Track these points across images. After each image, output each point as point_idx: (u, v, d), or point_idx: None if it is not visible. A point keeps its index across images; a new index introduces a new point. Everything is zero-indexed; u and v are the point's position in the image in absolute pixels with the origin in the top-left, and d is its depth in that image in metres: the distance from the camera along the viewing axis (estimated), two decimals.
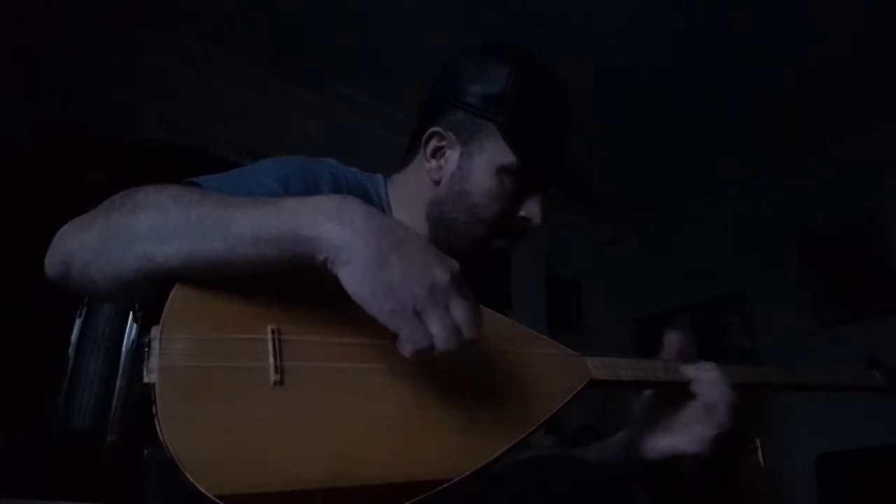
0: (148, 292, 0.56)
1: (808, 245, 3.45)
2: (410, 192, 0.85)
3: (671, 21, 2.56)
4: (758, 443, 3.11)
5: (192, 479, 0.46)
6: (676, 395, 0.77)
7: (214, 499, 0.46)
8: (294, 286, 0.58)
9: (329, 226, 0.54)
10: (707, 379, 0.75)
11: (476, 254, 0.81)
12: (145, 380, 0.49)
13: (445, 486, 0.55)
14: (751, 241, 3.65)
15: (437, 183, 0.82)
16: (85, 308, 1.70)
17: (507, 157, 0.78)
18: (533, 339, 0.71)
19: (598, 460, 0.84)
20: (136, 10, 2.45)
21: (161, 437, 0.47)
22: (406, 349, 0.53)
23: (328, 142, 2.86)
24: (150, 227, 0.55)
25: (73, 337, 1.68)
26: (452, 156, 0.81)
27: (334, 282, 0.54)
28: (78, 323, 1.69)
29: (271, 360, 0.54)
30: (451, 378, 0.61)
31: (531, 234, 0.84)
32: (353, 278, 0.53)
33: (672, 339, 0.80)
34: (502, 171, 0.79)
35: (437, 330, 0.53)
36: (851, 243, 3.30)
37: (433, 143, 0.83)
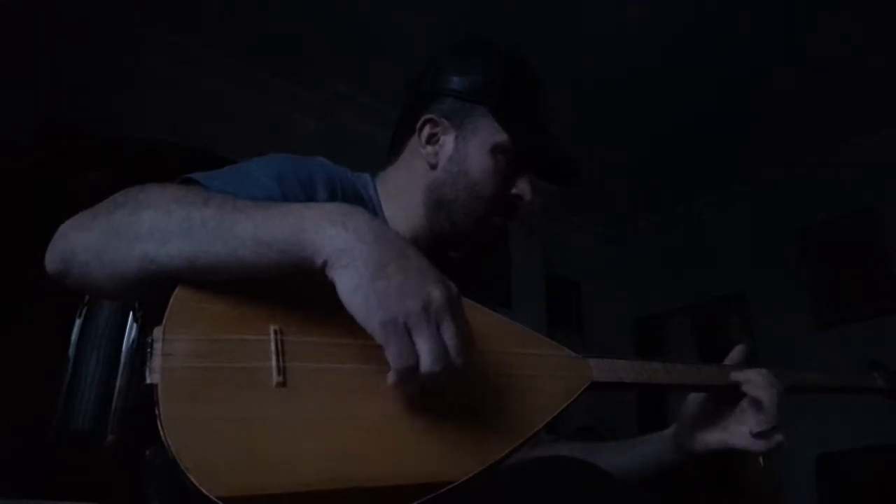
0: (149, 292, 0.55)
1: (808, 245, 3.45)
2: (402, 184, 0.87)
3: (671, 22, 2.56)
4: None
5: (193, 481, 0.46)
6: (723, 395, 0.84)
7: (216, 500, 0.46)
8: (297, 287, 0.57)
9: (333, 230, 0.53)
10: (756, 381, 0.82)
11: (476, 231, 0.85)
12: (148, 380, 0.49)
13: (448, 488, 0.55)
14: (751, 241, 3.65)
15: (434, 167, 0.85)
16: (85, 308, 1.70)
17: (501, 136, 0.83)
18: (535, 340, 0.71)
19: (636, 455, 0.90)
20: (137, 10, 2.45)
21: (163, 437, 0.47)
22: (393, 364, 0.52)
23: (328, 142, 2.86)
24: (152, 227, 0.54)
25: (73, 337, 1.68)
26: (447, 140, 0.85)
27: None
28: (78, 323, 1.69)
29: (274, 360, 0.53)
30: None
31: (529, 226, 0.86)
32: (349, 283, 0.52)
33: (740, 350, 0.90)
34: (496, 149, 0.83)
35: (424, 349, 0.52)
36: (851, 243, 3.30)
37: (427, 130, 0.86)
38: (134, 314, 1.70)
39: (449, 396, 0.59)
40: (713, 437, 0.84)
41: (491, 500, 0.58)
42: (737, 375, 0.83)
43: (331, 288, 0.53)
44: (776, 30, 2.60)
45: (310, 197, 0.73)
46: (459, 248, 0.88)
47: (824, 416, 2.96)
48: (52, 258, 0.58)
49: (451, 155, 0.84)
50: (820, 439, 2.99)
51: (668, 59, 2.77)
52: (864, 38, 2.63)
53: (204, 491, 0.46)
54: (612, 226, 4.28)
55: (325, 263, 0.53)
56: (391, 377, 0.53)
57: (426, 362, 0.52)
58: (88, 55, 2.34)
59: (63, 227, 0.58)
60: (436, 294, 0.54)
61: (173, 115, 2.52)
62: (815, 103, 3.00)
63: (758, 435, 0.81)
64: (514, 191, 0.85)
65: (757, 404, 0.81)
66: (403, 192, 0.87)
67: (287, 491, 0.49)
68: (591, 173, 3.53)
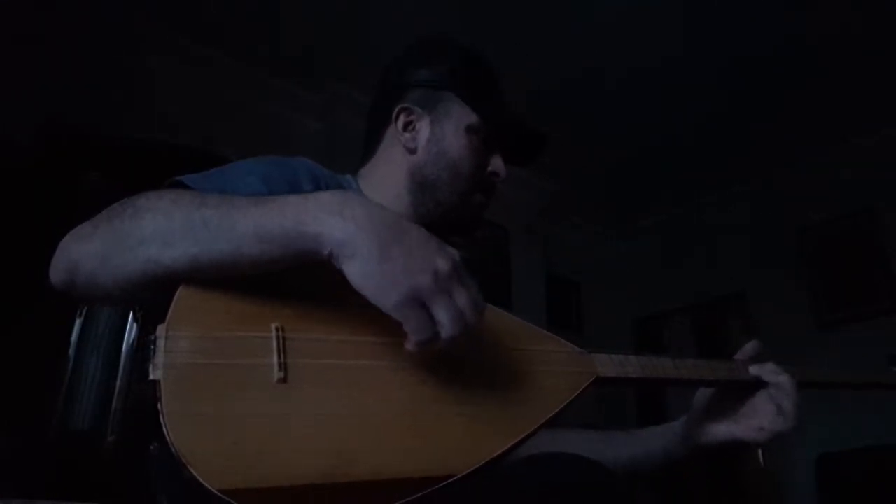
0: (154, 295, 0.56)
1: (808, 245, 3.45)
2: (384, 174, 0.91)
3: (669, 21, 2.57)
4: None
5: (196, 475, 0.46)
6: (737, 389, 0.86)
7: (219, 494, 0.46)
8: (298, 284, 0.58)
9: (332, 221, 0.54)
10: (777, 380, 0.85)
11: (461, 209, 0.89)
12: (151, 377, 0.50)
13: (449, 481, 0.55)
14: (751, 241, 3.65)
15: (413, 152, 0.89)
16: (85, 308, 1.70)
17: (472, 117, 0.88)
18: (540, 336, 0.71)
19: (646, 445, 0.92)
20: (136, 10, 2.45)
21: (166, 433, 0.47)
22: (411, 340, 0.54)
23: (328, 142, 2.86)
24: (154, 230, 0.55)
25: (73, 337, 1.67)
26: (423, 125, 0.89)
27: (337, 279, 0.54)
28: (78, 323, 1.69)
29: (275, 357, 0.54)
30: (455, 374, 0.61)
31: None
32: (359, 272, 0.54)
33: (754, 346, 0.92)
34: (469, 129, 0.88)
35: (443, 317, 0.55)
36: (851, 243, 3.31)
37: (402, 119, 0.90)
38: (134, 314, 1.69)
39: (451, 391, 0.59)
40: (721, 429, 0.87)
41: (490, 497, 0.58)
42: (766, 375, 0.86)
43: (331, 284, 0.54)
44: (776, 29, 2.60)
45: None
46: (446, 229, 0.89)
47: (824, 416, 2.96)
48: (57, 271, 0.59)
49: (428, 138, 0.89)
50: (820, 439, 2.99)
51: (668, 58, 2.77)
52: (865, 37, 2.64)
53: (206, 485, 0.46)
54: (612, 226, 4.28)
55: (330, 254, 0.54)
56: (411, 347, 0.55)
57: (447, 329, 0.55)
58: (88, 55, 2.34)
59: (64, 241, 0.59)
60: (441, 264, 0.56)
61: (173, 115, 2.52)
62: (815, 103, 3.00)
63: (769, 430, 0.83)
64: (489, 169, 0.90)
65: (779, 408, 0.83)
66: (385, 182, 0.90)
67: (288, 484, 0.49)
68: (591, 173, 3.54)
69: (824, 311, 3.31)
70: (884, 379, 1.04)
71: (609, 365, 0.73)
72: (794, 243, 3.50)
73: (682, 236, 4.02)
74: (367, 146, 0.95)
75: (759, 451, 3.11)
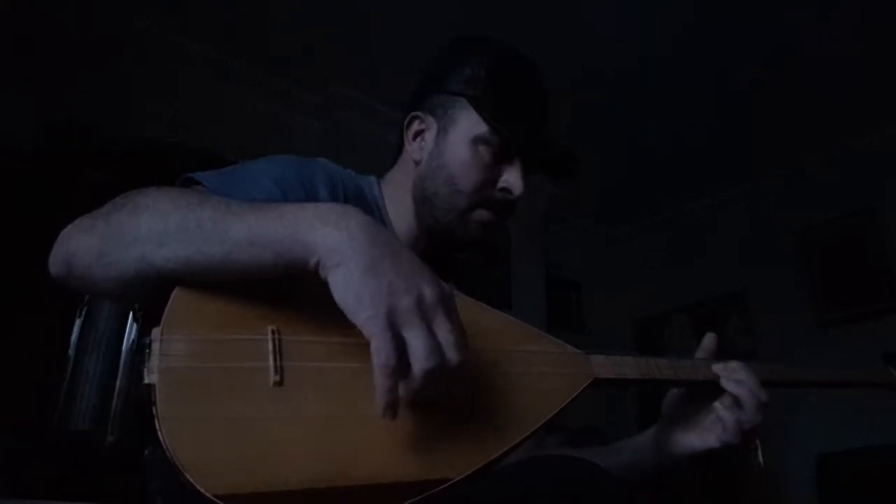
0: (148, 293, 0.56)
1: (808, 245, 3.45)
2: (399, 182, 0.88)
3: (670, 21, 2.56)
4: (757, 443, 3.11)
5: (191, 480, 0.46)
6: (705, 392, 0.79)
7: (213, 498, 0.46)
8: (295, 287, 0.57)
9: (325, 230, 0.53)
10: (736, 377, 0.78)
11: (460, 226, 0.83)
12: (146, 380, 0.49)
13: (445, 485, 0.55)
14: (751, 241, 3.65)
15: (418, 163, 0.85)
16: (85, 308, 1.70)
17: (481, 128, 0.81)
18: (536, 337, 0.71)
19: (622, 459, 0.86)
20: (137, 10, 2.45)
21: (161, 437, 0.47)
22: (375, 361, 0.50)
23: (328, 142, 2.86)
24: (149, 229, 0.55)
25: (73, 337, 1.67)
26: (430, 135, 0.85)
27: None
28: (78, 323, 1.69)
29: (271, 360, 0.54)
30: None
31: (514, 207, 0.85)
32: (341, 281, 0.52)
33: (710, 339, 0.84)
34: (477, 141, 0.81)
35: (417, 346, 0.51)
36: (851, 243, 3.30)
37: (414, 127, 0.87)
38: (134, 314, 1.70)
39: (448, 394, 0.59)
40: (693, 439, 0.80)
41: (489, 498, 0.58)
42: (717, 369, 0.79)
43: (327, 288, 0.53)
44: (776, 30, 2.60)
45: (311, 198, 0.73)
46: (449, 245, 0.86)
47: (824, 416, 2.96)
48: (55, 261, 0.59)
49: (431, 149, 0.84)
50: (820, 439, 2.98)
51: (667, 58, 2.76)
52: (864, 38, 2.63)
53: (201, 489, 0.46)
54: (612, 226, 4.28)
55: (317, 264, 0.53)
56: (376, 373, 0.51)
57: (419, 358, 0.51)
58: (88, 55, 2.34)
59: (65, 231, 0.59)
60: (428, 292, 0.53)
61: (173, 115, 2.52)
62: (815, 103, 3.00)
63: (734, 432, 0.77)
64: (501, 184, 0.82)
65: (737, 401, 0.77)
66: (399, 192, 0.87)
67: (284, 489, 0.49)
68: (591, 173, 3.54)
69: (824, 310, 3.31)
70: (879, 379, 1.03)
71: (607, 366, 0.72)
72: (794, 243, 3.49)
73: (681, 236, 4.01)
74: (396, 149, 0.92)
75: (759, 451, 3.10)
